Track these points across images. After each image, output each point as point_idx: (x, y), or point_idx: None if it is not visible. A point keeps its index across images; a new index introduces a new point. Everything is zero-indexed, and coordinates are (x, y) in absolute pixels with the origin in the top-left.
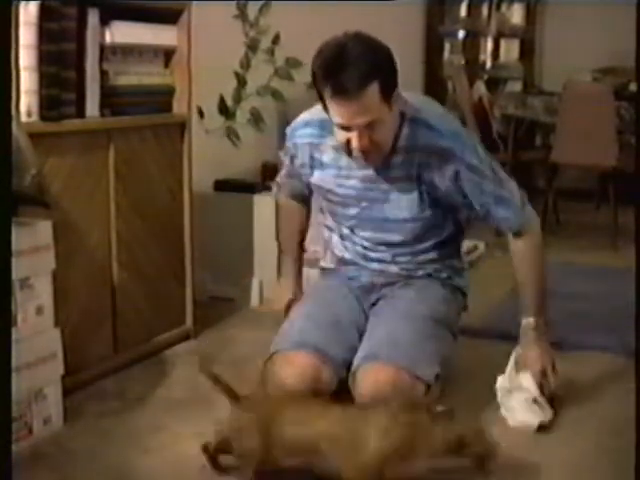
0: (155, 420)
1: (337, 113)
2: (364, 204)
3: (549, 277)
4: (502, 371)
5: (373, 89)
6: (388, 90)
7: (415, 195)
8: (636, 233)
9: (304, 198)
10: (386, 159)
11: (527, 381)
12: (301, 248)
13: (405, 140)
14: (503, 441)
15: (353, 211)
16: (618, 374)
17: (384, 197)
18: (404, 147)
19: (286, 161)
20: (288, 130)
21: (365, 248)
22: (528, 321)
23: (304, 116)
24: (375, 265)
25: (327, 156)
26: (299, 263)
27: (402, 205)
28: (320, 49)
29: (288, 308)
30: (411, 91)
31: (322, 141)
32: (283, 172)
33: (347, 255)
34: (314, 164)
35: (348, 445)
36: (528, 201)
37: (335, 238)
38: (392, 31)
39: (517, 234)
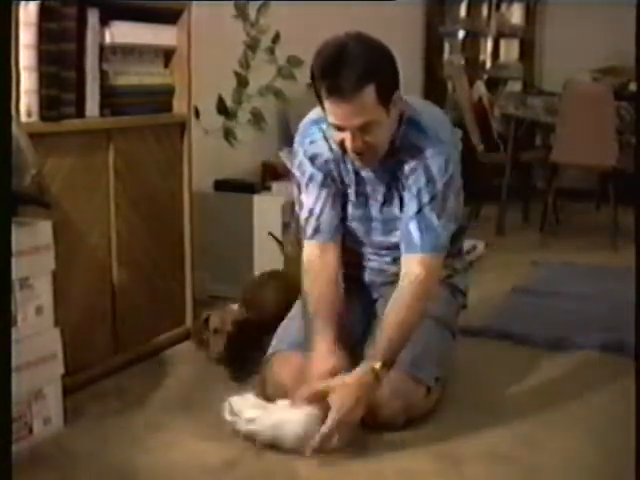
0: (155, 420)
1: (332, 113)
2: (369, 203)
3: (549, 277)
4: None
5: (369, 91)
6: (385, 93)
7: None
8: (636, 233)
9: (338, 238)
10: (385, 160)
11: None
12: (336, 313)
13: (400, 141)
14: (497, 441)
15: (358, 212)
16: (618, 374)
17: (384, 198)
18: (399, 148)
19: (308, 171)
20: (299, 135)
21: (365, 251)
22: (372, 365)
23: (312, 115)
24: (374, 265)
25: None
26: (336, 333)
27: (397, 205)
28: (320, 48)
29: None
30: (411, 91)
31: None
32: (311, 196)
33: (347, 255)
34: (336, 158)
35: None
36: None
37: None
38: (392, 31)
39: (410, 264)
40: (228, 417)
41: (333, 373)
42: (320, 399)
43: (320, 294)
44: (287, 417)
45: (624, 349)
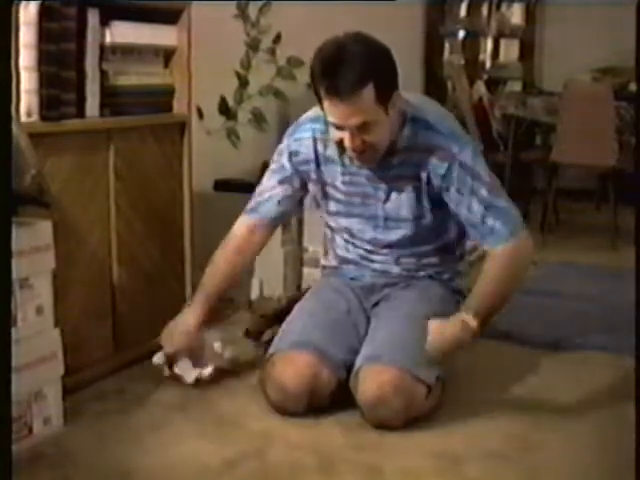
0: (155, 420)
1: (331, 112)
2: (367, 202)
3: (549, 277)
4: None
5: (368, 91)
6: (384, 92)
7: (414, 194)
8: (636, 233)
9: (270, 230)
10: (386, 159)
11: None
12: (219, 296)
13: (405, 140)
14: (497, 441)
15: (357, 210)
16: (618, 374)
17: (385, 196)
18: (404, 147)
19: (282, 161)
20: (292, 128)
21: (368, 251)
22: (465, 316)
23: (310, 113)
24: (377, 266)
25: (332, 151)
26: (210, 309)
27: (402, 204)
28: (319, 48)
29: (172, 357)
30: (411, 91)
31: (329, 136)
32: (271, 181)
33: (349, 255)
34: (319, 159)
35: None
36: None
37: (337, 238)
38: (392, 31)
39: (505, 252)
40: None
41: (196, 333)
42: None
43: (218, 268)
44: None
45: (624, 349)
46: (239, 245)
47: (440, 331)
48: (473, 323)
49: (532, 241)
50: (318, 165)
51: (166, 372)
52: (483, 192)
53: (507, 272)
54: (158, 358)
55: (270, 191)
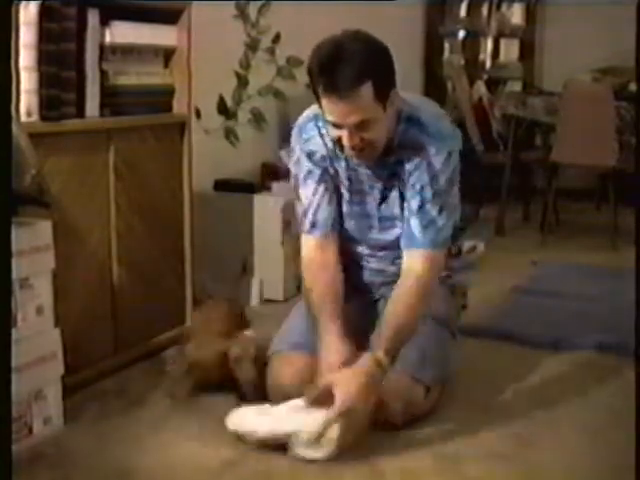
0: (155, 420)
1: (329, 111)
2: (364, 200)
3: (549, 277)
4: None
5: (366, 89)
6: (383, 90)
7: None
8: (636, 233)
9: (334, 234)
10: (383, 158)
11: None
12: (341, 308)
13: (399, 138)
14: (497, 441)
15: (356, 208)
16: (618, 374)
17: (380, 195)
18: (398, 145)
19: (306, 167)
20: (295, 131)
21: (364, 253)
22: (376, 355)
23: (309, 112)
24: (374, 265)
25: (337, 148)
26: (342, 328)
27: (395, 203)
28: (317, 46)
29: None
30: (410, 91)
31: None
32: (308, 191)
33: (345, 255)
34: (330, 154)
35: None
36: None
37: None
38: (392, 31)
39: (411, 259)
40: (232, 427)
41: (343, 366)
42: (328, 398)
43: (323, 290)
44: (299, 423)
45: (624, 349)
46: (321, 264)
47: (345, 390)
48: (385, 362)
49: (441, 266)
50: (331, 160)
51: None
52: (428, 194)
53: (415, 307)
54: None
55: (313, 200)
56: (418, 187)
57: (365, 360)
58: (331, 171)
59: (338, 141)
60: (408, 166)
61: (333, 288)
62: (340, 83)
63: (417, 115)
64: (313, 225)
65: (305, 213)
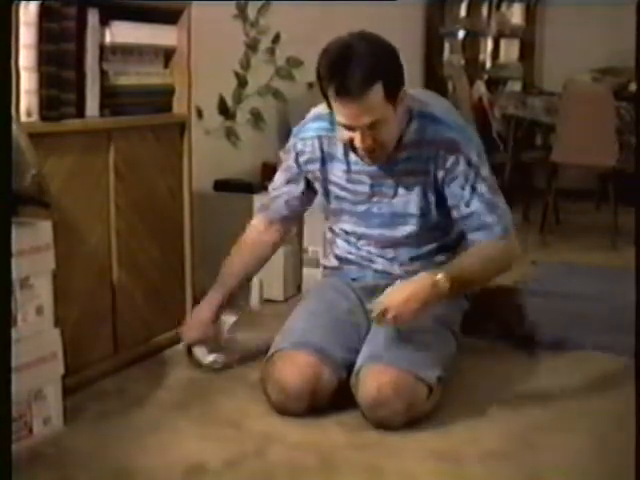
0: (155, 420)
1: (341, 113)
2: (373, 199)
3: (549, 277)
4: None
5: (377, 90)
6: (392, 90)
7: (420, 189)
8: (636, 233)
9: (284, 226)
10: (393, 155)
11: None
12: (234, 289)
13: (413, 135)
14: (497, 441)
15: (362, 207)
16: (618, 374)
17: (392, 192)
18: (412, 142)
19: (288, 161)
20: (298, 127)
21: (370, 252)
22: (435, 272)
23: (315, 110)
24: (379, 266)
25: (338, 150)
26: (226, 301)
27: (409, 199)
28: (325, 49)
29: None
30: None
31: (333, 134)
32: (279, 180)
33: (350, 256)
34: (325, 157)
35: None
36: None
37: (339, 239)
38: (392, 31)
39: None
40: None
41: (211, 323)
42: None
43: (233, 261)
44: None
45: (624, 349)
46: (253, 240)
47: (391, 292)
48: (445, 284)
49: (519, 249)
50: (323, 163)
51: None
52: (484, 190)
53: (492, 262)
54: (181, 346)
55: (279, 190)
56: (469, 187)
57: (423, 274)
58: (317, 175)
59: (350, 142)
60: (443, 162)
61: (245, 267)
62: (351, 85)
63: (429, 111)
64: (266, 207)
65: (268, 194)
